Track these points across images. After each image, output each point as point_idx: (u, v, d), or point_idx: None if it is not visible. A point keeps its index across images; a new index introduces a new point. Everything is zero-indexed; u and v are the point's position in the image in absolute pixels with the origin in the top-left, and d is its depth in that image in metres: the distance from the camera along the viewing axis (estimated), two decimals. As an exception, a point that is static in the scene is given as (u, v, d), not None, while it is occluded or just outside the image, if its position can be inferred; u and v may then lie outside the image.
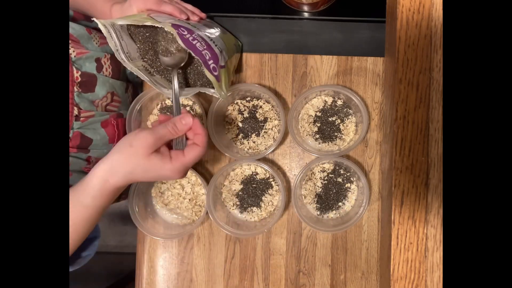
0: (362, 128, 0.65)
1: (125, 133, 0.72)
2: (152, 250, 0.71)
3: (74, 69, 0.62)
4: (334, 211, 0.69)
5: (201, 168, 0.72)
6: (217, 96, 0.60)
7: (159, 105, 0.71)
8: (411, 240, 0.52)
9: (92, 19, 0.55)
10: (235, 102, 0.71)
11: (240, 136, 0.70)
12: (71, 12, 0.70)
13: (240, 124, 0.70)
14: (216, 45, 0.60)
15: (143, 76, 0.58)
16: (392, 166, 0.53)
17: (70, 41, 0.63)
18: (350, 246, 0.69)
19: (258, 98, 0.70)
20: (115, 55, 0.57)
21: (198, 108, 0.70)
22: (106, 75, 0.68)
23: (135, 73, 0.58)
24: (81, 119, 0.64)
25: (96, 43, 0.68)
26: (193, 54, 0.56)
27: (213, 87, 0.58)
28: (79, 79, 0.63)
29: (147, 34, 0.60)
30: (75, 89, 0.62)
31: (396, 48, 0.53)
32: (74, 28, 0.65)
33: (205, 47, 0.57)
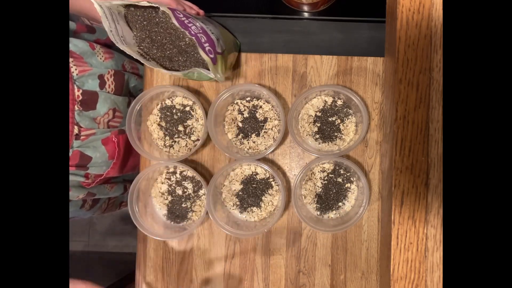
0: (362, 128, 0.65)
1: (126, 150, 0.73)
2: (152, 250, 0.71)
3: (75, 87, 0.63)
4: (334, 211, 0.69)
5: (201, 168, 0.72)
6: (212, 77, 0.59)
7: (159, 105, 0.71)
8: (411, 240, 0.52)
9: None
10: (235, 102, 0.70)
11: (240, 136, 0.70)
12: (73, 25, 0.70)
13: (240, 124, 0.70)
14: (212, 33, 0.60)
15: (138, 57, 0.58)
16: (392, 166, 0.53)
17: (72, 59, 0.63)
18: (350, 246, 0.69)
19: (258, 98, 0.70)
20: (109, 36, 0.56)
21: (198, 108, 0.70)
22: (108, 92, 0.68)
23: (130, 54, 0.58)
24: (82, 137, 0.65)
25: (101, 58, 0.68)
26: (187, 34, 0.56)
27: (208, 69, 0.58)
28: (80, 98, 0.63)
29: (144, 23, 0.60)
30: (76, 108, 0.62)
31: (396, 48, 0.53)
32: (77, 45, 0.65)
33: (200, 31, 0.58)
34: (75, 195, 0.70)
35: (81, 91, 0.63)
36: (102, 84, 0.66)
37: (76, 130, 0.63)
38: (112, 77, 0.68)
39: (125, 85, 0.73)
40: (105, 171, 0.71)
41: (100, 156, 0.68)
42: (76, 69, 0.63)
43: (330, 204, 0.69)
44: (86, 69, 0.64)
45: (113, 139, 0.70)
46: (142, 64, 0.72)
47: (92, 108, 0.65)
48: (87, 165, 0.67)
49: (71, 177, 0.67)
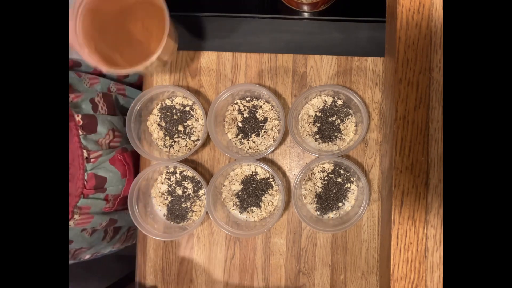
0: (362, 128, 0.65)
1: (135, 166, 0.74)
2: (152, 250, 0.71)
3: (74, 113, 0.64)
4: (334, 211, 0.69)
5: (201, 168, 0.72)
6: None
7: (159, 105, 0.71)
8: (411, 240, 0.52)
9: None
10: (235, 102, 0.71)
11: (240, 136, 0.70)
12: None
13: (240, 124, 0.70)
14: None
15: None
16: (392, 166, 0.53)
17: None
18: (350, 246, 0.69)
19: (258, 98, 0.70)
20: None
21: (198, 108, 0.70)
22: (103, 113, 0.69)
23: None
24: (92, 160, 0.66)
25: (87, 85, 0.70)
26: None
27: None
28: (81, 122, 0.64)
29: None
30: (80, 132, 0.63)
31: (396, 48, 0.53)
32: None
33: None
34: (98, 222, 0.71)
35: (80, 116, 0.64)
36: (95, 108, 0.68)
37: (85, 154, 0.64)
38: (102, 99, 0.70)
39: (114, 105, 0.74)
40: (121, 190, 0.72)
41: (113, 175, 0.69)
42: (70, 96, 0.64)
43: (330, 204, 0.69)
44: (78, 94, 0.66)
45: (119, 157, 0.71)
46: (129, 85, 0.76)
47: (93, 131, 0.66)
48: (104, 186, 0.68)
49: (93, 202, 0.68)
